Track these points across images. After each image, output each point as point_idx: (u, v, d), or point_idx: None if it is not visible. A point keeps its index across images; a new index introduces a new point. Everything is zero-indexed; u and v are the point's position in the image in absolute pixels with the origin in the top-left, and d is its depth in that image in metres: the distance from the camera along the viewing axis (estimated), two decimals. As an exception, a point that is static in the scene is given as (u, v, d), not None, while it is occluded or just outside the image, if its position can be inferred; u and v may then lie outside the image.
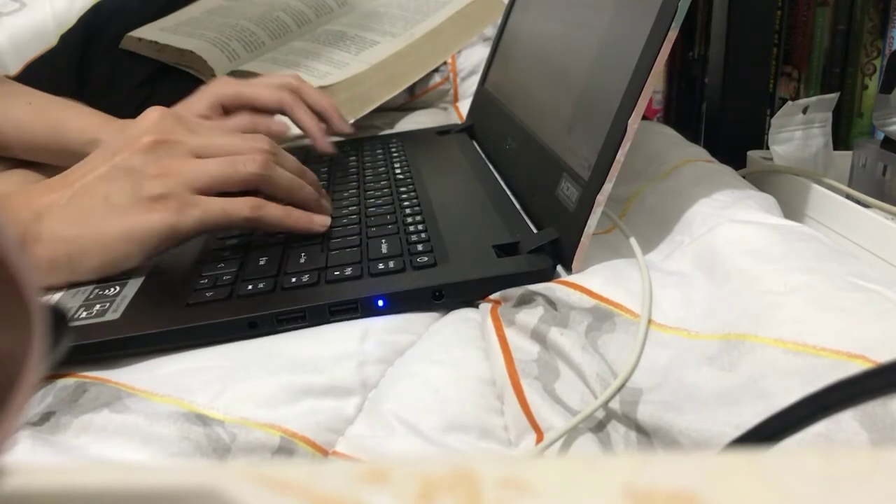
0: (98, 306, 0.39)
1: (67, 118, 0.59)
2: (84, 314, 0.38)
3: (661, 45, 0.34)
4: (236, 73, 0.78)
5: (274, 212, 0.43)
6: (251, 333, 0.37)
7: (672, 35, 0.34)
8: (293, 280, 0.39)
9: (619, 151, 0.36)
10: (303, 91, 0.63)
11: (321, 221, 0.46)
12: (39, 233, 0.40)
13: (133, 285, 0.41)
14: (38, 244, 0.39)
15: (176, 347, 0.37)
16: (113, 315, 0.38)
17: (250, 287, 0.39)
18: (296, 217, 0.44)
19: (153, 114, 0.44)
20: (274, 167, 0.44)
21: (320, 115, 0.64)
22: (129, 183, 0.41)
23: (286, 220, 0.44)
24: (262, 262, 0.42)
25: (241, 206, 0.42)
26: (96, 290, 0.41)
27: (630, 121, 0.35)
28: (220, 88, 0.60)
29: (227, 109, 0.61)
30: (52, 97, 0.61)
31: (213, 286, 0.40)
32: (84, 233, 0.40)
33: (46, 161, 0.59)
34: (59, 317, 0.13)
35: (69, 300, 0.40)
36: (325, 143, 0.63)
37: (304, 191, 0.46)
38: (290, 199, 0.45)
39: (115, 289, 0.41)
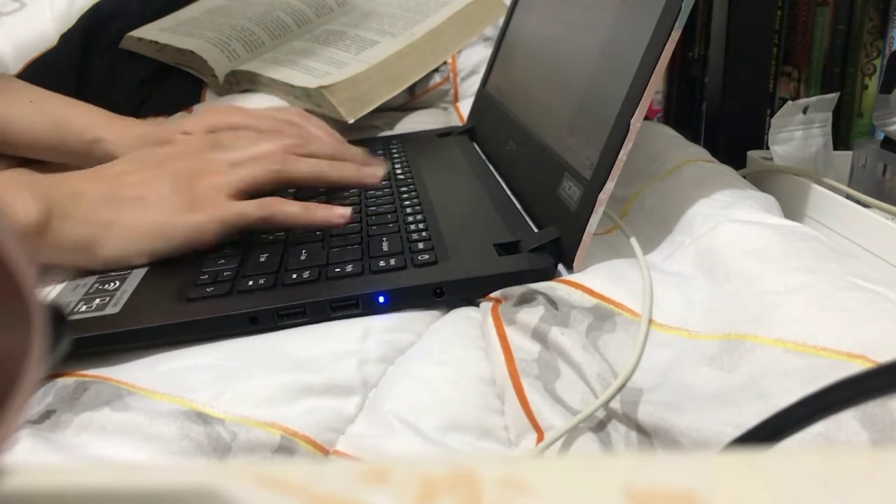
0: (98, 300, 0.39)
1: (70, 115, 0.59)
2: (84, 308, 0.38)
3: (665, 45, 0.34)
4: (237, 73, 0.78)
5: (290, 209, 0.44)
6: (252, 329, 0.37)
7: (675, 35, 0.34)
8: (294, 276, 0.39)
9: (622, 151, 0.36)
10: (310, 139, 0.55)
11: (341, 213, 0.45)
12: (71, 211, 0.41)
13: (133, 280, 0.41)
14: (66, 222, 0.40)
15: (176, 342, 0.37)
16: (113, 309, 0.38)
17: (251, 283, 0.39)
18: (312, 215, 0.45)
19: (195, 140, 0.48)
20: (295, 160, 0.47)
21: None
22: (165, 190, 0.43)
23: (301, 218, 0.45)
24: (262, 259, 0.42)
25: (257, 206, 0.44)
26: (96, 285, 0.41)
27: (633, 120, 0.35)
28: (219, 118, 0.56)
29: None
30: (54, 95, 0.61)
31: (214, 281, 0.40)
32: (116, 220, 0.42)
33: (49, 159, 0.59)
34: (58, 316, 0.13)
35: (69, 294, 0.40)
36: (372, 178, 0.52)
37: (335, 172, 0.48)
38: (322, 185, 0.47)
39: (115, 283, 0.41)
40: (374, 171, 0.48)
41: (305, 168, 0.48)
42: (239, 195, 0.45)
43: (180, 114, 0.74)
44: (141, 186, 0.43)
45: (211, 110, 0.58)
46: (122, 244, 0.42)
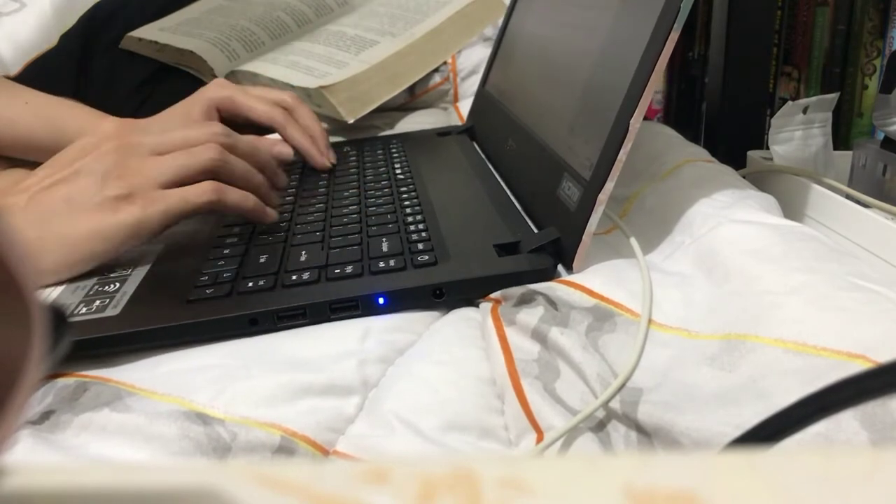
0: (98, 302, 0.39)
1: (65, 117, 0.59)
2: (84, 310, 0.38)
3: (664, 44, 0.34)
4: (237, 73, 0.78)
5: (233, 195, 0.44)
6: (252, 330, 0.37)
7: (675, 35, 0.34)
8: (294, 278, 0.39)
9: (621, 151, 0.36)
10: (296, 112, 0.62)
11: (272, 214, 0.47)
12: None
13: (133, 282, 0.41)
14: None
15: (176, 344, 0.37)
16: (113, 311, 0.38)
17: (251, 284, 0.39)
18: (252, 203, 0.45)
19: (109, 122, 0.45)
20: (229, 154, 0.45)
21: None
22: (91, 185, 0.41)
23: (244, 204, 0.45)
24: (262, 260, 0.42)
25: (202, 191, 0.43)
26: (96, 286, 0.41)
27: (632, 120, 0.35)
28: (215, 92, 0.60)
29: (222, 114, 0.61)
30: (49, 96, 0.61)
31: (214, 283, 0.40)
32: (45, 233, 0.40)
33: (44, 160, 0.59)
34: (58, 316, 0.13)
35: (69, 296, 0.40)
36: (321, 160, 0.62)
37: (257, 178, 0.47)
38: (245, 186, 0.46)
39: (115, 285, 0.41)
40: (273, 214, 0.47)
41: (239, 166, 0.46)
42: (172, 184, 0.42)
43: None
44: (66, 187, 0.41)
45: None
46: (60, 256, 0.40)
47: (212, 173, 0.44)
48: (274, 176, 0.51)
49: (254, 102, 0.60)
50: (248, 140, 0.48)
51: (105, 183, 0.41)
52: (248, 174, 0.46)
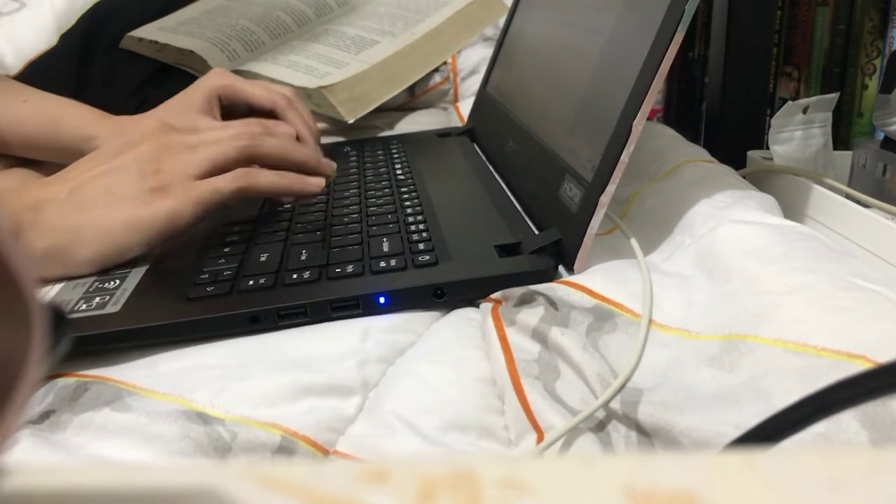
0: (98, 299, 0.39)
1: (64, 115, 0.59)
2: (84, 306, 0.38)
3: (668, 46, 0.34)
4: (237, 73, 0.78)
5: (265, 177, 0.44)
6: (252, 328, 0.37)
7: (679, 37, 0.34)
8: (294, 276, 0.39)
9: (624, 153, 0.36)
10: (295, 106, 0.63)
11: (316, 182, 0.46)
12: (36, 222, 0.40)
13: (133, 279, 0.41)
14: (33, 232, 0.40)
15: (176, 341, 0.37)
16: (113, 308, 0.38)
17: (251, 282, 0.39)
18: (290, 180, 0.45)
19: (151, 121, 0.46)
20: (262, 137, 0.46)
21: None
22: (130, 178, 0.42)
23: (279, 184, 0.45)
24: (262, 258, 0.42)
25: (233, 177, 0.43)
26: (96, 283, 0.41)
27: (635, 122, 0.35)
28: (216, 80, 0.60)
29: (223, 102, 0.61)
30: (49, 95, 0.61)
31: (214, 281, 0.40)
32: (84, 222, 0.41)
33: (44, 158, 0.59)
34: (58, 316, 0.13)
35: (69, 293, 0.40)
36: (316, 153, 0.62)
37: (299, 153, 0.47)
38: (286, 164, 0.46)
39: (115, 282, 0.41)
40: (318, 181, 0.47)
41: (273, 146, 0.47)
42: (206, 174, 0.43)
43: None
44: (105, 179, 0.42)
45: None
46: (96, 246, 0.41)
47: (246, 160, 0.45)
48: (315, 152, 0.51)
49: (254, 88, 0.60)
50: (279, 124, 0.49)
51: (143, 176, 0.42)
52: (283, 151, 0.46)
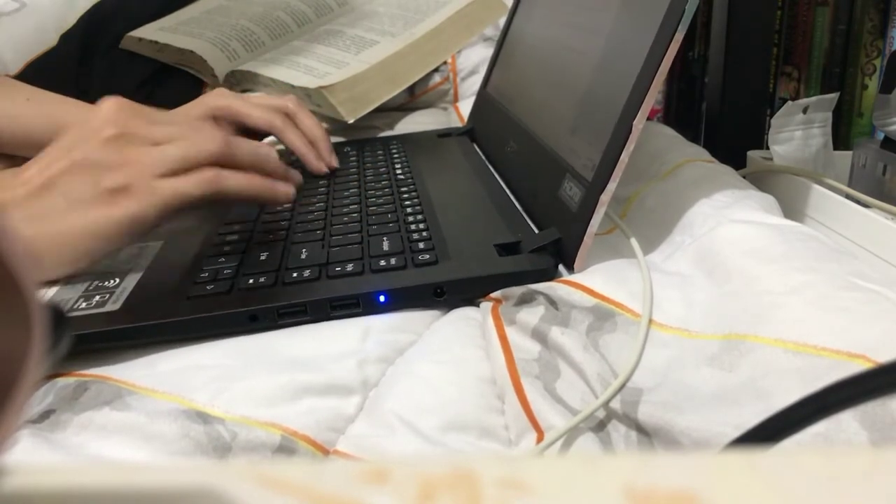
0: (98, 297, 0.39)
1: (66, 114, 0.59)
2: (83, 305, 0.38)
3: (668, 46, 0.34)
4: (237, 73, 0.78)
5: (234, 179, 0.42)
6: (252, 327, 0.37)
7: (679, 36, 0.34)
8: (294, 275, 0.39)
9: (624, 152, 0.36)
10: (297, 117, 0.61)
11: (285, 189, 0.45)
12: None
13: (133, 277, 0.41)
14: None
15: (176, 340, 0.37)
16: (113, 306, 0.38)
17: (251, 281, 0.39)
18: (258, 184, 0.43)
19: (110, 104, 0.43)
20: (235, 143, 0.43)
21: (311, 143, 0.62)
22: (88, 177, 0.40)
23: (248, 188, 0.43)
24: (262, 257, 0.42)
25: (199, 179, 0.41)
26: (96, 282, 0.41)
27: (635, 122, 0.35)
28: (214, 100, 0.59)
29: (218, 122, 0.60)
30: (50, 94, 0.61)
31: (214, 279, 0.40)
32: (42, 232, 0.39)
33: None
34: (58, 315, 0.13)
35: (69, 291, 0.40)
36: (318, 164, 0.60)
37: (270, 163, 0.45)
38: (255, 170, 0.44)
39: (115, 280, 0.41)
40: (287, 189, 0.45)
41: (247, 153, 0.44)
42: (171, 174, 0.41)
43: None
44: (62, 180, 0.40)
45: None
46: (57, 257, 0.39)
47: (215, 163, 0.42)
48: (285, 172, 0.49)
49: (251, 109, 0.58)
50: (250, 142, 0.47)
51: (102, 174, 0.40)
52: (258, 161, 0.44)
